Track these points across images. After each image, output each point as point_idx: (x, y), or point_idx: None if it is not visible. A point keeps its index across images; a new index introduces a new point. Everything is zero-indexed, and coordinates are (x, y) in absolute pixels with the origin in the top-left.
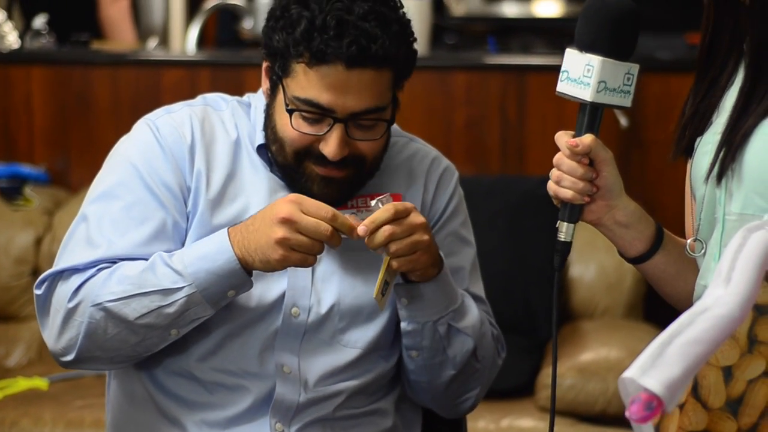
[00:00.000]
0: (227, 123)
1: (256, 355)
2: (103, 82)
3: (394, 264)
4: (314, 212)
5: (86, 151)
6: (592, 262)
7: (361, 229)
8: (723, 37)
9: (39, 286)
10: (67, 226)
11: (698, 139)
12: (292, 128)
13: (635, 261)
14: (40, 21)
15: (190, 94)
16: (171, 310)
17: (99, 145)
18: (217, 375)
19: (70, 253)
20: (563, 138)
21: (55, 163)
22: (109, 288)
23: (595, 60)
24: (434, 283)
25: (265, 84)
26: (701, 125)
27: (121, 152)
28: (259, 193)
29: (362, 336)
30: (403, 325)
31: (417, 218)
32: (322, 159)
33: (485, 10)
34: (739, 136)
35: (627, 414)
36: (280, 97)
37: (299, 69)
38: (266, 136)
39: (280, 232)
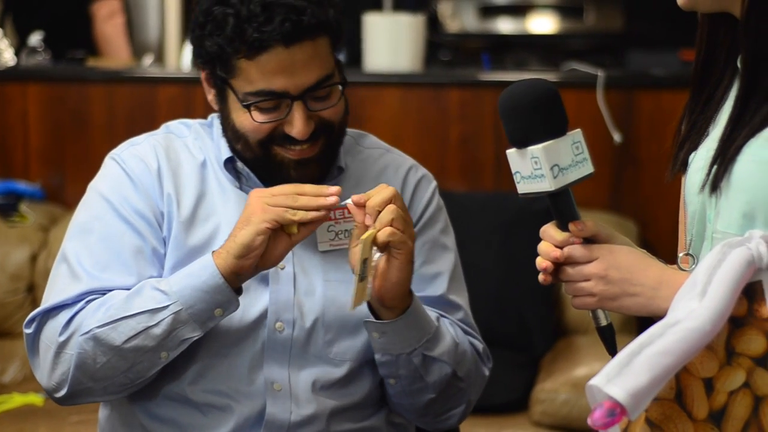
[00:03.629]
0: (192, 147)
1: (245, 373)
2: (99, 99)
3: (387, 230)
4: (279, 190)
5: (82, 167)
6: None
7: (356, 197)
8: (718, 53)
9: (28, 325)
10: (62, 242)
11: (692, 154)
12: (252, 121)
13: None
14: (35, 38)
15: (186, 111)
16: (158, 330)
17: (94, 162)
18: (209, 396)
19: (56, 291)
20: (550, 232)
21: (51, 179)
22: (96, 316)
23: (536, 150)
24: (404, 319)
25: (210, 93)
26: (696, 140)
27: (93, 189)
28: (229, 211)
29: (351, 347)
30: (376, 356)
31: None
32: (290, 140)
33: (480, 26)
34: (732, 148)
35: (589, 421)
36: (231, 98)
37: (242, 65)
38: (228, 140)
39: (255, 196)
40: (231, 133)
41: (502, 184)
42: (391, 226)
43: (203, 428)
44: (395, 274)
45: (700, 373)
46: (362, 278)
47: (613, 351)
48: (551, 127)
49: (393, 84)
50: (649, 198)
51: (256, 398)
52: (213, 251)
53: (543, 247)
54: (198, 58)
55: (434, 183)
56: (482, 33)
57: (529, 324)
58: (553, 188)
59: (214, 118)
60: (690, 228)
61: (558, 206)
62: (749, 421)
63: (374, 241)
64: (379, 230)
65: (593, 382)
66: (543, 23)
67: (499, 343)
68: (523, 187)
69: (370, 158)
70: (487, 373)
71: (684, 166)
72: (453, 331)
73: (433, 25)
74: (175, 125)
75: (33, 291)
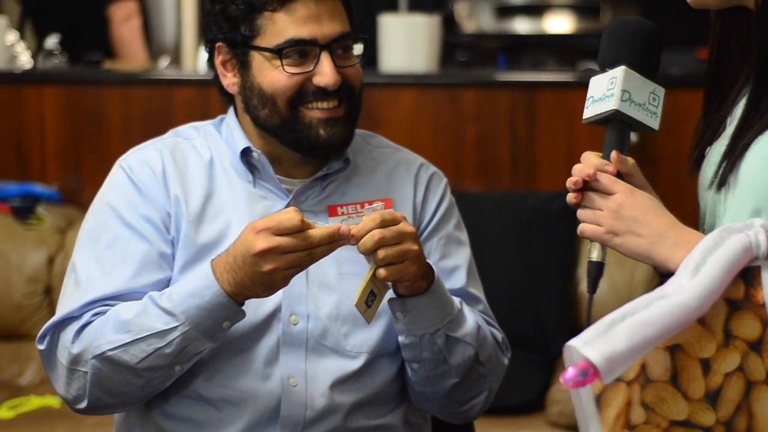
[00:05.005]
0: (199, 148)
1: (261, 368)
2: (115, 101)
3: (382, 273)
4: (284, 226)
5: (98, 170)
6: (603, 278)
7: (354, 240)
8: (732, 52)
9: (41, 341)
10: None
11: (707, 149)
12: (284, 71)
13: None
14: (52, 41)
15: (202, 113)
16: (169, 350)
17: (111, 164)
18: (224, 391)
19: (64, 302)
20: (589, 156)
21: (68, 182)
22: (106, 337)
23: (618, 71)
24: (426, 297)
25: (226, 77)
26: (711, 138)
27: (100, 197)
28: (238, 208)
29: (367, 339)
30: (400, 338)
31: (406, 227)
32: (319, 95)
33: (496, 26)
34: (740, 146)
35: (561, 379)
36: (256, 60)
37: (268, 19)
38: (253, 110)
39: (269, 265)
40: (257, 99)
41: (518, 185)
42: (385, 266)
43: (218, 424)
44: (404, 291)
45: (698, 353)
46: (369, 306)
47: (593, 288)
48: (644, 62)
49: (409, 85)
50: (665, 197)
51: (271, 394)
52: (212, 262)
53: (577, 166)
54: (218, 32)
55: (445, 180)
56: (498, 33)
57: (545, 324)
58: (615, 107)
59: (224, 118)
60: (702, 223)
61: (611, 135)
62: (740, 404)
63: (376, 276)
64: (377, 268)
65: (571, 342)
66: (559, 23)
67: (514, 343)
68: (588, 112)
69: (381, 157)
70: (506, 362)
71: (700, 162)
72: (474, 316)
73: (449, 25)
74: (184, 129)
75: (50, 293)
